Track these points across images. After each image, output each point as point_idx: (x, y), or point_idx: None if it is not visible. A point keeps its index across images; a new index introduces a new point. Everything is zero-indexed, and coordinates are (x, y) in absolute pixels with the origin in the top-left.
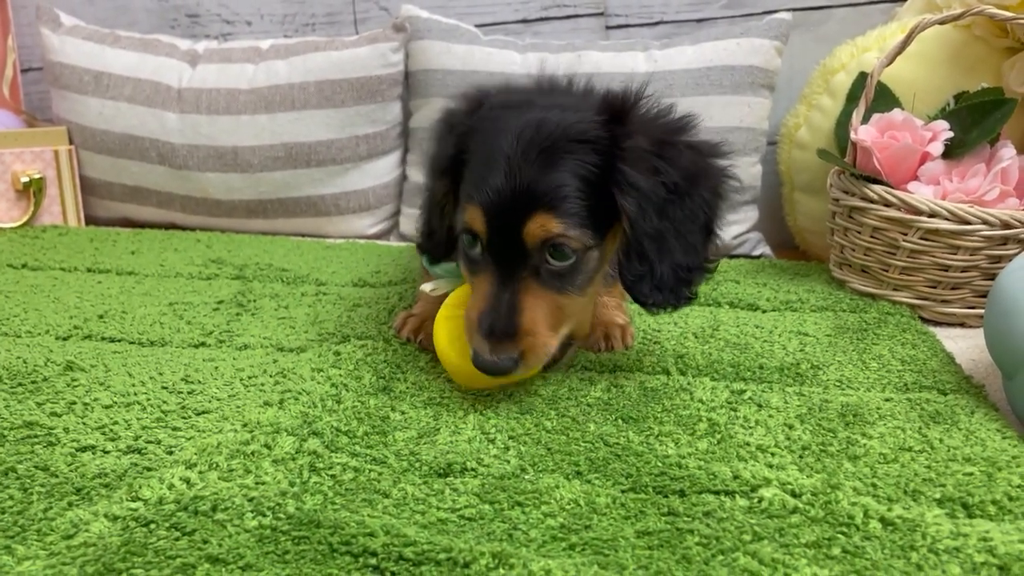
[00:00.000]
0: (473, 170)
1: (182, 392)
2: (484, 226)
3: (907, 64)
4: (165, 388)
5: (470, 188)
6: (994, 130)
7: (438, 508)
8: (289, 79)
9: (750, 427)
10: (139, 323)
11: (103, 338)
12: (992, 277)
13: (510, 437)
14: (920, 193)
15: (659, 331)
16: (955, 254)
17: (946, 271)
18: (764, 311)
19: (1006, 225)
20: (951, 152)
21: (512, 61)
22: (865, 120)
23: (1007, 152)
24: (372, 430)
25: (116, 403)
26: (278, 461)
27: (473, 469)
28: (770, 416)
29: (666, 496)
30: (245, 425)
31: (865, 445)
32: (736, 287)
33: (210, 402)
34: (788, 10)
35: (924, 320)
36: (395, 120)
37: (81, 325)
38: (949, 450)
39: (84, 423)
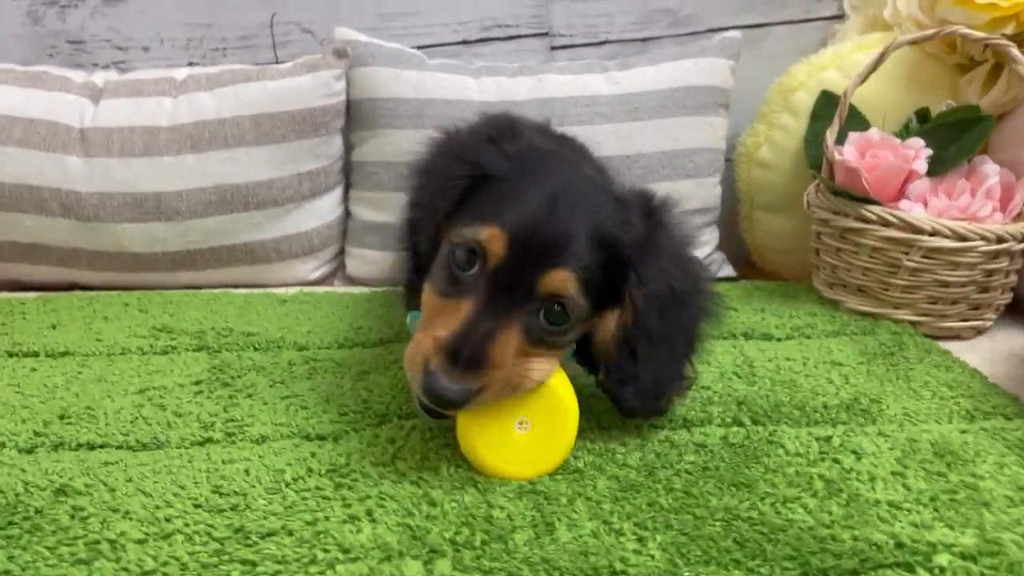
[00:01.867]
0: (504, 193)
1: (224, 509)
2: (503, 251)
3: (866, 82)
4: (200, 506)
5: (496, 208)
6: (974, 148)
7: None
8: (219, 113)
9: (864, 480)
10: (115, 421)
11: (79, 445)
12: (985, 290)
13: (635, 524)
14: (914, 212)
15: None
16: (955, 270)
17: (946, 287)
18: (780, 340)
19: (1000, 239)
20: (931, 170)
21: (467, 87)
22: (840, 140)
23: (991, 168)
24: (488, 536)
25: (150, 536)
26: None
27: (623, 571)
28: (874, 465)
29: None
30: (347, 551)
31: (983, 488)
32: (738, 315)
33: (267, 519)
34: (729, 28)
35: (924, 336)
36: (338, 154)
37: (42, 431)
38: None
39: (126, 571)
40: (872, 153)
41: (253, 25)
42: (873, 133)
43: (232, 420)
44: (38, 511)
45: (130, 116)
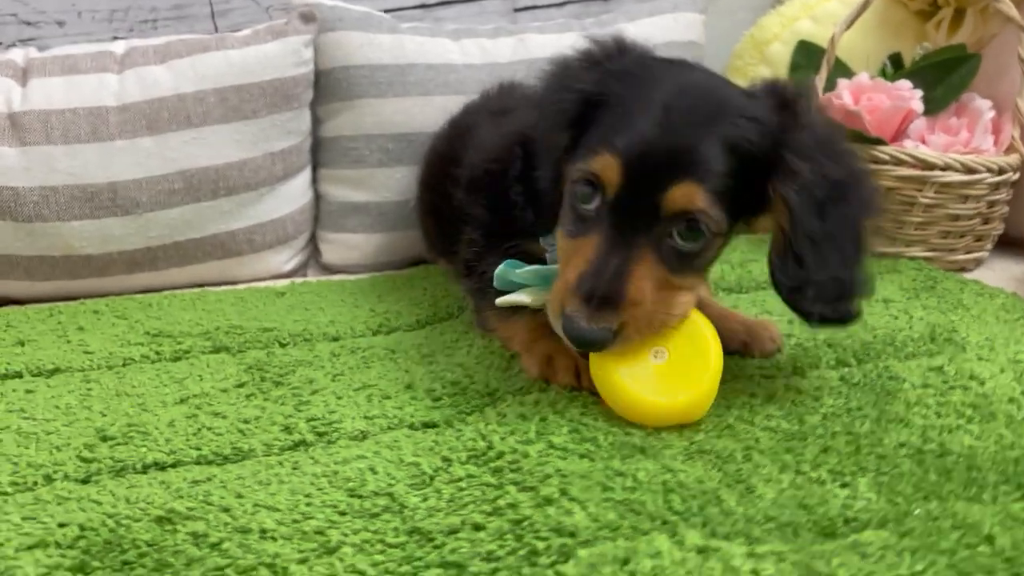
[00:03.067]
0: (616, 115)
1: (377, 512)
2: (619, 177)
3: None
4: (346, 513)
5: (607, 133)
6: (963, 85)
7: None
8: (177, 89)
9: (1004, 402)
10: (175, 436)
11: (147, 466)
12: (987, 222)
13: (829, 471)
14: (923, 149)
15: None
16: (964, 203)
17: (956, 221)
18: None
19: (1001, 171)
20: (924, 110)
21: (448, 50)
22: (826, 87)
23: (983, 104)
24: (703, 501)
25: (309, 553)
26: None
27: (855, 518)
28: (1000, 387)
29: None
30: (573, 535)
31: None
32: (759, 265)
33: (436, 516)
34: None
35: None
36: (308, 130)
37: (90, 456)
38: None
39: None
40: (868, 96)
41: None
42: (863, 77)
43: (314, 419)
44: (150, 544)
45: (68, 97)
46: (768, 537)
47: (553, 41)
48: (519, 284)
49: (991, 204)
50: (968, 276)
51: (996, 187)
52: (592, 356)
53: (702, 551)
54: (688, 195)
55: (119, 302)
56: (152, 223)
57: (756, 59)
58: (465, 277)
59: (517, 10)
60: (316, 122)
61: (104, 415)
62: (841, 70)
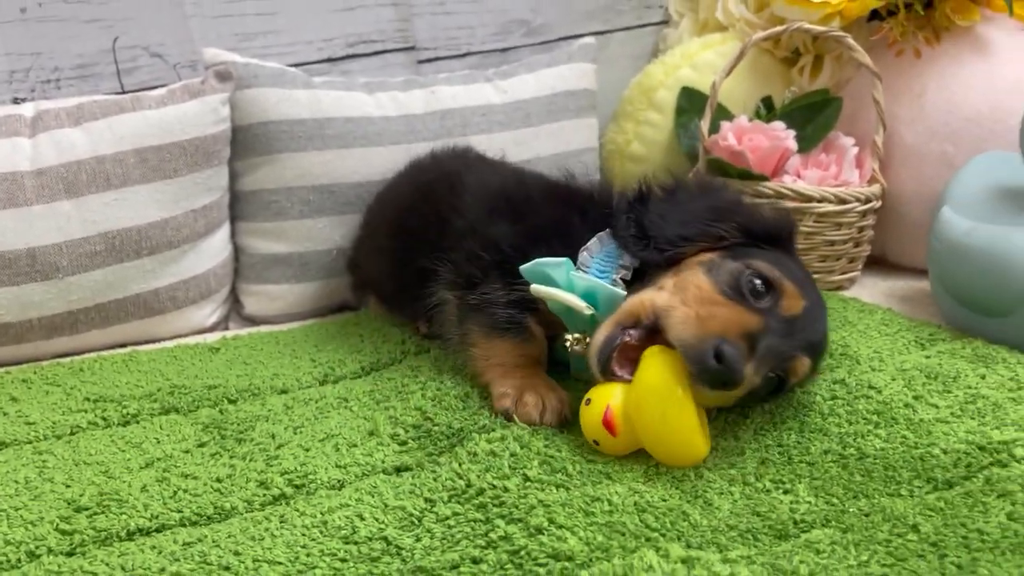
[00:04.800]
0: (789, 279)
1: (377, 556)
2: (799, 309)
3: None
4: (347, 560)
5: (795, 276)
6: (829, 125)
7: None
8: (95, 151)
9: (902, 407)
10: (152, 500)
11: (131, 533)
12: (858, 245)
13: (770, 481)
14: (801, 184)
15: None
16: (839, 230)
17: (832, 245)
18: None
19: (868, 200)
20: (798, 148)
21: (364, 103)
22: (714, 129)
23: (847, 141)
24: (675, 519)
25: None
26: None
27: (802, 520)
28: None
29: None
30: (571, 559)
31: (987, 395)
32: None
33: (433, 554)
34: (578, 36)
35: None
36: (226, 185)
37: (68, 528)
38: None
39: None
40: (749, 137)
41: (92, 52)
42: (743, 120)
43: (287, 472)
44: None
45: None
46: (734, 544)
47: (463, 92)
48: (555, 284)
49: (860, 229)
50: (847, 295)
51: (864, 214)
52: (651, 404)
53: (686, 561)
54: (804, 368)
55: (47, 368)
56: (73, 287)
57: (645, 104)
58: (464, 288)
59: (420, 62)
60: (233, 176)
61: (69, 486)
62: (722, 113)
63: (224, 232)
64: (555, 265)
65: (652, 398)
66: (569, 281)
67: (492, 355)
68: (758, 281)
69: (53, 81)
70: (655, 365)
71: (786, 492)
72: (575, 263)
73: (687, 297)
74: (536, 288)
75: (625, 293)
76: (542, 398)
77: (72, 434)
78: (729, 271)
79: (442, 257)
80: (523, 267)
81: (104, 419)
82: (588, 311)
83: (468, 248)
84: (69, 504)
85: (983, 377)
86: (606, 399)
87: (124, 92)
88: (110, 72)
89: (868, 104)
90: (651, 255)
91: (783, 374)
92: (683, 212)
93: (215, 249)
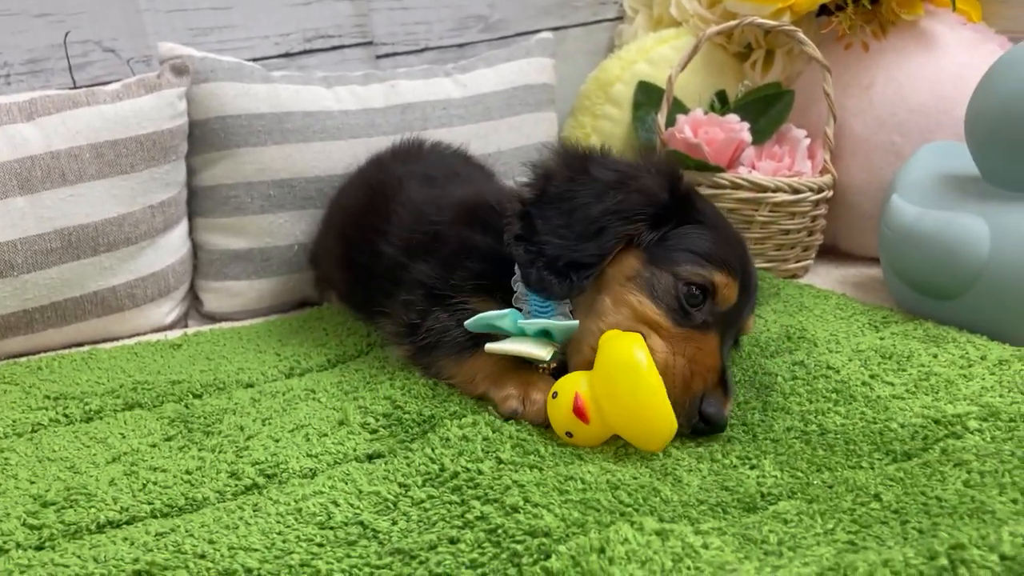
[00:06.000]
0: (717, 242)
1: (354, 540)
2: (735, 296)
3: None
4: (324, 545)
5: (721, 255)
6: (782, 118)
7: None
8: (49, 146)
9: (859, 385)
10: (122, 493)
11: (102, 526)
12: (811, 233)
13: (736, 457)
14: (755, 175)
15: None
16: (793, 219)
17: (787, 234)
18: None
19: (820, 189)
20: (752, 140)
21: (323, 97)
22: (670, 122)
23: (799, 133)
24: (647, 493)
25: None
26: None
27: (770, 493)
28: (851, 373)
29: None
30: (548, 534)
31: (939, 373)
32: None
33: (411, 535)
34: (535, 32)
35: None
36: (184, 181)
37: (36, 523)
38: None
39: None
40: (705, 130)
41: (42, 47)
42: (698, 113)
43: (258, 463)
44: None
45: None
46: (704, 517)
47: (422, 87)
48: (504, 332)
49: (813, 218)
50: (802, 282)
51: (817, 204)
52: (620, 380)
53: (660, 533)
54: (753, 322)
55: (3, 368)
56: (29, 285)
57: (602, 99)
58: (406, 337)
59: (379, 57)
60: (191, 172)
61: (34, 482)
62: (678, 107)
63: (182, 228)
64: (499, 316)
65: (620, 374)
66: (520, 329)
67: (474, 373)
68: (695, 290)
69: (3, 76)
70: (617, 344)
71: (752, 467)
72: (500, 277)
73: (626, 318)
74: (490, 347)
75: (576, 323)
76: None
77: (34, 431)
78: (664, 288)
79: (378, 311)
80: (467, 323)
81: (66, 416)
82: (547, 357)
83: (399, 291)
84: (35, 499)
85: (935, 356)
86: (574, 388)
87: (76, 87)
88: (61, 67)
89: (819, 97)
90: (565, 289)
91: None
92: (580, 222)
93: (173, 246)
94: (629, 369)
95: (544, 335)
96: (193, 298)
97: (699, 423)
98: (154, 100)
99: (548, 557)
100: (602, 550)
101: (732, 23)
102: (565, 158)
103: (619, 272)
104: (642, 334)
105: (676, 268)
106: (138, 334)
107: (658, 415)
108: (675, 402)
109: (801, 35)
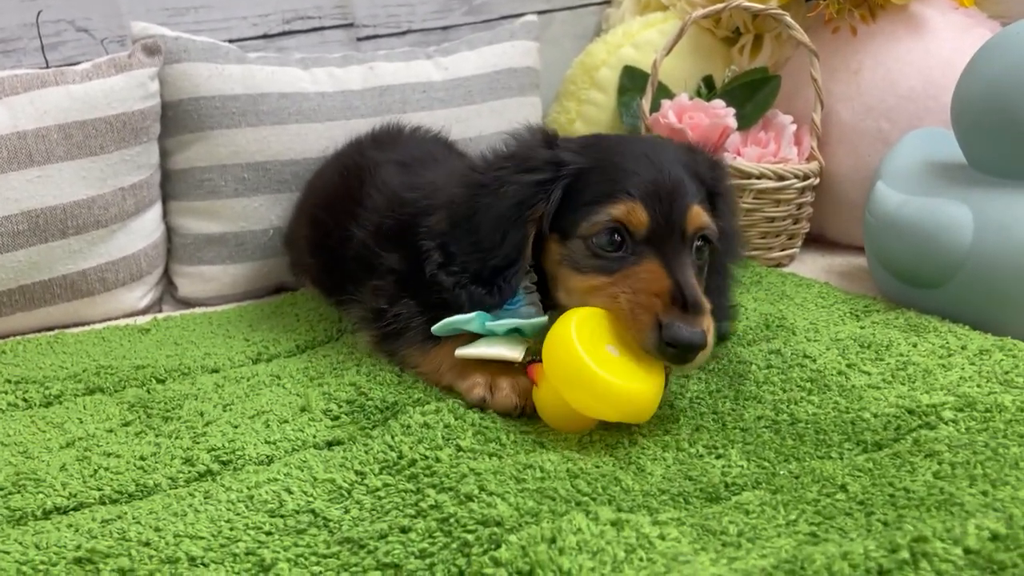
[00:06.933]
0: (603, 175)
1: (303, 528)
2: (646, 216)
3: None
4: (272, 533)
5: (609, 186)
6: (768, 103)
7: None
8: (15, 126)
9: (835, 375)
10: (71, 479)
11: (48, 512)
12: (797, 222)
13: (703, 446)
14: (740, 161)
15: None
16: (778, 206)
17: (772, 222)
18: None
19: (806, 177)
20: (738, 126)
21: (300, 79)
22: (655, 107)
23: (786, 119)
24: (601, 484)
25: (245, 573)
26: None
27: (734, 483)
28: (828, 362)
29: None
30: (500, 524)
31: (917, 362)
32: None
33: (363, 524)
34: (520, 15)
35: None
36: (157, 163)
37: None
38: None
39: None
40: (689, 115)
41: (13, 26)
42: (684, 98)
43: (214, 449)
44: None
45: None
46: (665, 507)
47: (402, 69)
48: (472, 334)
49: (799, 206)
50: (785, 270)
51: (802, 191)
52: (551, 357)
53: (615, 523)
54: (700, 213)
55: None
56: None
57: (587, 83)
58: (373, 322)
59: (360, 39)
60: (164, 154)
61: None
62: (663, 92)
63: (155, 211)
64: (466, 321)
65: (551, 354)
66: (489, 331)
67: (439, 363)
68: (605, 238)
69: None
70: (554, 327)
71: (719, 457)
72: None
73: (577, 298)
74: (460, 352)
75: (545, 317)
76: (516, 380)
77: None
78: (581, 254)
79: (348, 297)
80: (434, 328)
81: (25, 400)
82: (519, 358)
83: (370, 276)
84: None
85: (915, 345)
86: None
87: (48, 67)
88: (34, 47)
89: (806, 83)
90: (497, 297)
91: (702, 242)
92: (487, 230)
93: (146, 229)
94: (556, 347)
95: (515, 333)
96: (168, 283)
97: (672, 351)
98: (125, 80)
99: (498, 547)
100: (553, 540)
101: (718, 6)
102: (463, 180)
103: (551, 262)
104: (598, 304)
105: (579, 229)
106: (110, 319)
107: (593, 382)
108: (640, 343)
109: (788, 19)
